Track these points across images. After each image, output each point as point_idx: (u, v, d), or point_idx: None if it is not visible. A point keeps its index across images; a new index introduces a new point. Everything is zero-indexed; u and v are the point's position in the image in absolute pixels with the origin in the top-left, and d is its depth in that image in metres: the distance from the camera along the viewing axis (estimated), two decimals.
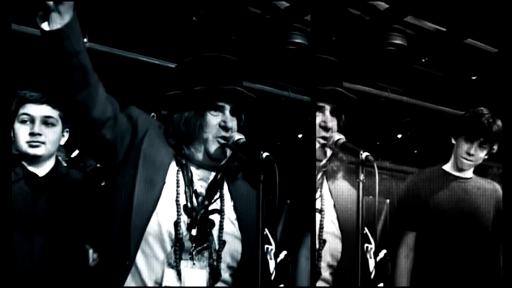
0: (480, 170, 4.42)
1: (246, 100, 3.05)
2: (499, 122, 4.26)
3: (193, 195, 2.99)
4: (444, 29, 5.42)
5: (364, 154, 2.98)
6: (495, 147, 4.22)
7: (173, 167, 3.01)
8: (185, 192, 2.96)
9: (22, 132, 3.54)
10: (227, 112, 3.01)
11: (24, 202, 3.52)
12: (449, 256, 4.16)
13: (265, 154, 2.74)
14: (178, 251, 2.87)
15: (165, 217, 2.84)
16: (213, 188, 3.05)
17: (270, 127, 6.59)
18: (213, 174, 3.05)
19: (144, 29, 5.33)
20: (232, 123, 3.04)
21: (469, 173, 4.34)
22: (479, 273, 4.22)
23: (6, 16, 3.02)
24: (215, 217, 2.96)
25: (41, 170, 3.58)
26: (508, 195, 3.56)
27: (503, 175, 3.52)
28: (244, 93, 3.00)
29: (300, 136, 7.11)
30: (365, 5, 5.13)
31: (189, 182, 3.01)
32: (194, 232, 2.89)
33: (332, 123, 3.28)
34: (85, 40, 5.04)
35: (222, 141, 2.96)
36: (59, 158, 3.78)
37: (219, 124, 2.98)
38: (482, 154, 4.21)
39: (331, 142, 3.19)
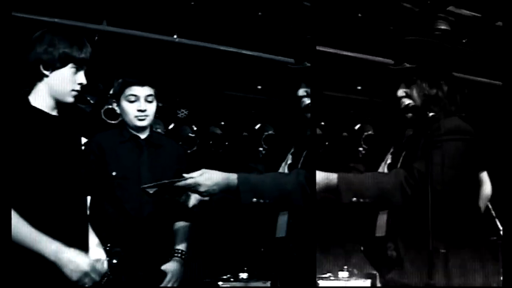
0: None
1: None
2: None
3: None
4: (479, 15, 5.85)
5: (430, 114, 3.33)
6: None
7: None
8: None
9: (131, 109, 4.25)
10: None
11: (131, 156, 4.27)
12: None
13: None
14: None
15: None
16: None
17: None
18: None
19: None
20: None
21: None
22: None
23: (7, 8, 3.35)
24: None
25: (142, 135, 4.32)
26: (508, 194, 3.60)
27: (504, 175, 3.60)
28: None
29: None
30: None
31: None
32: None
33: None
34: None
35: None
36: (155, 128, 4.60)
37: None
38: None
39: (403, 106, 3.58)
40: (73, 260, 3.17)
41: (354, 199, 3.44)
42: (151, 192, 3.43)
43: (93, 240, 3.84)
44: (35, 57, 3.37)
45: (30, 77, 3.42)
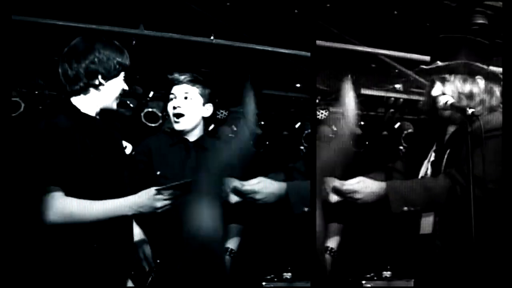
0: None
1: None
2: None
3: None
4: None
5: (470, 111, 3.29)
6: None
7: None
8: None
9: (170, 109, 4.26)
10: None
11: (177, 158, 4.24)
12: None
13: None
14: None
15: None
16: None
17: None
18: None
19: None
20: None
21: None
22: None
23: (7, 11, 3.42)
24: None
25: (191, 137, 4.29)
26: (508, 193, 3.39)
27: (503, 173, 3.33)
28: None
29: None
30: None
31: None
32: None
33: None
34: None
35: None
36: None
37: None
38: None
39: (442, 104, 3.54)
40: (145, 203, 3.34)
41: (405, 208, 3.44)
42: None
43: (136, 231, 4.00)
44: (91, 69, 3.44)
45: (81, 86, 3.47)
